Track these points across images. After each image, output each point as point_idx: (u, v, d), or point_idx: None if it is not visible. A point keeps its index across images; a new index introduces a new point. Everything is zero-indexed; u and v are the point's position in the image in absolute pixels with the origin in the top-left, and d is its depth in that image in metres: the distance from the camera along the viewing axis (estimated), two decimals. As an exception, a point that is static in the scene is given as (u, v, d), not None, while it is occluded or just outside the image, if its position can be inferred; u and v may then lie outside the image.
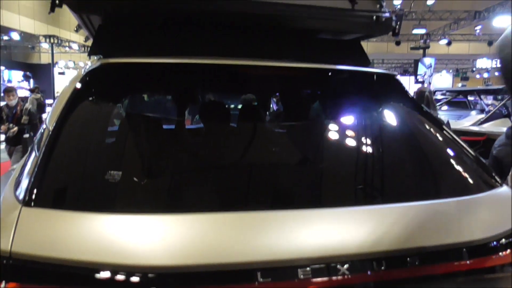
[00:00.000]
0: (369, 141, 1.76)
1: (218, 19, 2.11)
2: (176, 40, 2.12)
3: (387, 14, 2.28)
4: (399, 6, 19.15)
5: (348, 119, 1.92)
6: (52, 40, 17.14)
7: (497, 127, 7.06)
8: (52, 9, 1.93)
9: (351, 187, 1.56)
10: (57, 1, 1.87)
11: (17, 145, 6.34)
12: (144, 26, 2.11)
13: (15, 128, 6.27)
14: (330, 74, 2.07)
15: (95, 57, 2.02)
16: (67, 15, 23.62)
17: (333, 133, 1.87)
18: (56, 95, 18.42)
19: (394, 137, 1.83)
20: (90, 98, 1.64)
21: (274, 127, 2.21)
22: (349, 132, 1.86)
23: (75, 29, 17.36)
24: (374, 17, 2.23)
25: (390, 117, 1.96)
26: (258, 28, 2.23)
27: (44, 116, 14.70)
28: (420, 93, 4.81)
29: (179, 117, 2.25)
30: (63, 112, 1.49)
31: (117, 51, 1.89)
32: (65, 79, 22.57)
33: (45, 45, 20.20)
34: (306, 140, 1.84)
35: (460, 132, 7.06)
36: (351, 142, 1.80)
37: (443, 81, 32.81)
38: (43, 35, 18.60)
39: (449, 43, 22.73)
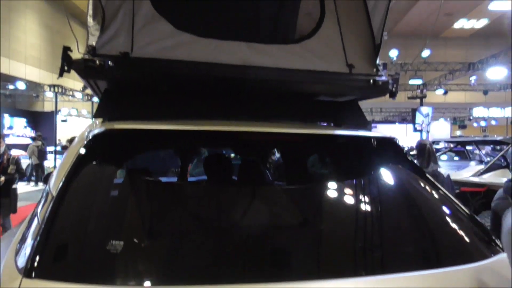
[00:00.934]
0: (368, 207, 1.77)
1: (221, 84, 2.18)
2: (180, 104, 2.18)
3: (384, 78, 2.36)
4: (395, 58, 19.74)
5: (348, 184, 1.93)
6: (56, 90, 17.51)
7: (497, 178, 7.07)
8: (60, 74, 2.00)
9: (353, 256, 1.55)
10: (65, 67, 1.95)
11: (4, 197, 5.82)
12: (149, 90, 2.17)
13: (2, 178, 5.77)
14: (329, 139, 2.11)
15: (100, 119, 2.07)
16: (72, 64, 24.19)
17: (334, 197, 1.88)
18: (57, 142, 18.56)
19: (393, 202, 1.84)
20: (94, 164, 1.66)
21: (275, 188, 2.22)
22: (350, 197, 1.87)
23: (81, 89, 17.79)
24: (371, 81, 2.31)
25: (389, 182, 1.97)
26: (259, 91, 2.30)
27: (45, 163, 14.78)
28: (420, 146, 4.85)
29: (181, 178, 2.28)
30: (67, 179, 1.51)
31: (122, 115, 1.94)
32: (67, 126, 22.84)
33: (49, 94, 20.60)
34: (306, 205, 1.84)
35: (460, 183, 7.06)
36: (351, 208, 1.80)
37: (441, 129, 33.10)
38: (48, 85, 19.04)
39: (445, 93, 23.21)
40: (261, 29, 2.65)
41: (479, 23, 23.93)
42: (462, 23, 23.95)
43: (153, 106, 2.14)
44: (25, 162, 16.12)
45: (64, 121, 23.31)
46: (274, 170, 2.87)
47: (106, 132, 1.74)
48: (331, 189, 1.92)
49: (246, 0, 2.53)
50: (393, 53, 19.49)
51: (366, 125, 2.54)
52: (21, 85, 19.42)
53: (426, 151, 4.66)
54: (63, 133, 20.49)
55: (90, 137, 1.72)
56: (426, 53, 19.26)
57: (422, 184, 1.89)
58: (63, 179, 1.50)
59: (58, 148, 16.52)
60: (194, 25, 2.18)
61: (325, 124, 2.35)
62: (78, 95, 22.05)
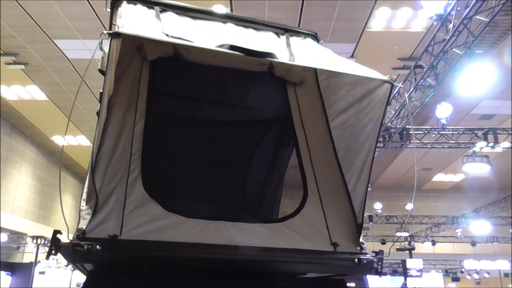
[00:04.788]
0: None
1: (208, 264, 2.19)
2: (165, 285, 2.16)
3: (368, 257, 2.41)
4: (379, 211, 20.13)
5: None
6: (38, 241, 17.11)
7: None
8: (47, 257, 2.02)
9: None
10: (53, 251, 1.97)
11: None
12: (136, 271, 2.17)
13: None
14: None
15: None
16: (58, 213, 24.11)
17: None
18: (31, 298, 17.37)
19: None
20: None
21: None
22: None
23: (66, 264, 17.75)
24: (356, 260, 2.35)
25: None
26: (245, 270, 2.31)
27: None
28: None
29: None
30: None
31: None
32: (45, 278, 21.61)
33: (31, 245, 20.07)
34: None
35: None
36: None
37: (434, 282, 32.01)
38: (31, 236, 18.69)
39: (433, 244, 23.12)
40: (246, 209, 2.77)
41: (457, 177, 25.07)
42: (441, 177, 25.07)
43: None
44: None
45: (42, 273, 22.14)
46: None
47: None
48: None
49: (232, 182, 2.71)
50: (378, 206, 19.92)
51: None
52: (3, 237, 18.98)
53: None
54: (40, 287, 19.31)
55: None
56: (409, 206, 19.74)
57: None
58: None
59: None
60: (183, 206, 2.28)
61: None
62: (60, 246, 21.36)
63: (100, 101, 2.31)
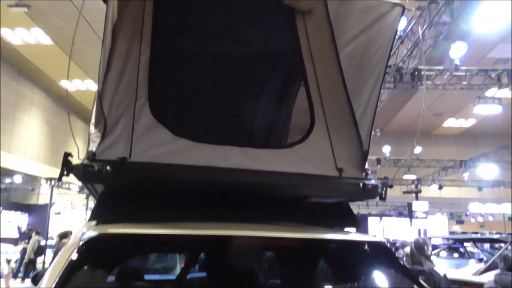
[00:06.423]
0: None
1: (216, 187, 2.24)
2: (175, 206, 2.22)
3: (373, 182, 2.44)
4: (388, 154, 20.22)
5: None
6: (52, 183, 17.61)
7: (498, 277, 6.93)
8: (59, 179, 2.07)
9: None
10: (65, 172, 2.02)
11: None
12: (146, 194, 2.22)
13: None
14: (321, 243, 2.13)
15: (94, 223, 2.09)
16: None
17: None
18: (49, 236, 18.17)
19: None
20: (86, 270, 1.66)
21: None
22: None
23: (78, 190, 18.23)
24: (361, 184, 2.39)
25: (381, 285, 1.96)
26: (252, 194, 2.36)
27: (38, 259, 14.35)
28: (416, 243, 4.91)
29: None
30: (57, 286, 1.50)
31: (117, 219, 1.97)
32: (60, 218, 22.49)
33: (45, 187, 20.68)
34: None
35: (461, 282, 6.93)
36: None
37: (438, 224, 32.69)
38: (45, 178, 19.23)
39: (440, 188, 23.41)
40: (254, 135, 2.79)
41: (467, 123, 24.91)
42: (451, 122, 24.92)
43: (148, 209, 2.18)
44: (14, 257, 15.62)
45: (58, 213, 22.99)
46: (266, 273, 2.83)
47: (100, 236, 1.76)
48: None
49: (240, 112, 2.71)
50: (386, 149, 20.01)
51: (358, 227, 2.57)
52: (17, 179, 19.53)
53: (422, 250, 4.77)
54: (55, 226, 20.11)
55: (83, 241, 1.74)
56: (418, 149, 19.79)
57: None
58: (53, 286, 1.49)
59: (50, 242, 16.13)
60: (191, 131, 2.30)
61: (318, 227, 2.38)
62: (74, 187, 22.07)
63: (104, 30, 2.27)
